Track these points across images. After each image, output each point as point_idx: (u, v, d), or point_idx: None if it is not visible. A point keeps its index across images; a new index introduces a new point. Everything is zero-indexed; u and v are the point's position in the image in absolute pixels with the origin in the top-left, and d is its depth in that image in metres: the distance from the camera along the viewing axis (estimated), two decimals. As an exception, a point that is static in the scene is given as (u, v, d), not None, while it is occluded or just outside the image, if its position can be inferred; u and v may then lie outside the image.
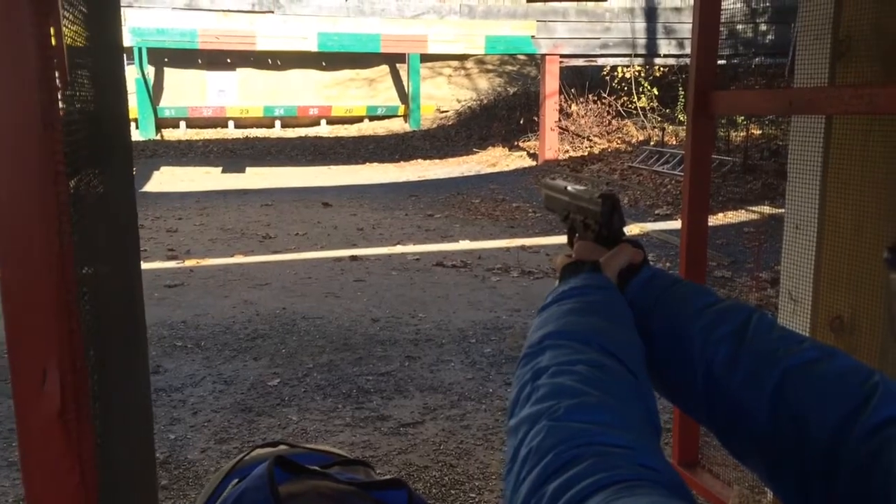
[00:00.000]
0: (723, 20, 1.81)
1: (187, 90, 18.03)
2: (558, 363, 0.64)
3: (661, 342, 0.78)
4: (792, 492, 0.64)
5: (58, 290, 0.66)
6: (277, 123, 18.45)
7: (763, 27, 12.68)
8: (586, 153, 13.05)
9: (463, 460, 3.16)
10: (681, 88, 12.68)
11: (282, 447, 1.04)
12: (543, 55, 13.43)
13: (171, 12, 11.91)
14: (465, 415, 3.62)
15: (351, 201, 10.88)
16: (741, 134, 10.41)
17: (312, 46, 12.61)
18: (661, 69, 14.05)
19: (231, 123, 18.22)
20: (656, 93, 13.65)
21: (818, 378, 0.64)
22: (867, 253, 1.56)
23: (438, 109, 18.87)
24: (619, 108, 13.78)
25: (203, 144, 16.74)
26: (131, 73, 15.71)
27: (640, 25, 13.59)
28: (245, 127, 18.24)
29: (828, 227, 1.67)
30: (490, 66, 19.49)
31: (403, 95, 19.09)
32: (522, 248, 7.66)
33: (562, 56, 13.40)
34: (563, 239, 1.02)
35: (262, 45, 12.54)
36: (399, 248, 7.69)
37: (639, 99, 13.73)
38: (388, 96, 19.40)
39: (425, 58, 17.84)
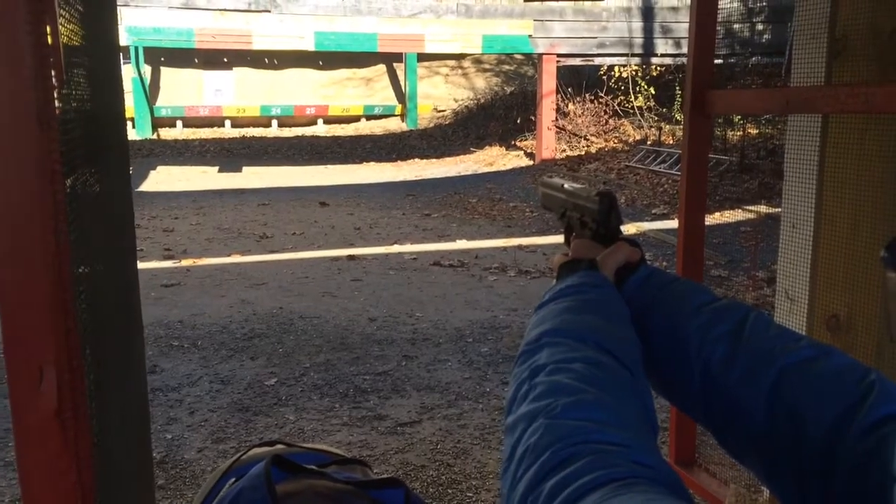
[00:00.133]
0: (719, 19, 1.81)
1: (184, 89, 18.00)
2: (555, 361, 0.64)
3: (658, 340, 0.78)
4: (789, 490, 0.64)
5: (54, 289, 0.65)
6: (274, 123, 18.43)
7: (760, 26, 12.70)
8: (583, 152, 13.06)
9: (460, 459, 3.16)
10: (678, 88, 12.70)
11: (279, 446, 1.04)
12: (540, 54, 13.44)
13: (167, 11, 11.89)
14: (463, 414, 3.62)
15: (348, 201, 10.87)
16: (738, 133, 10.42)
17: (309, 46, 12.60)
18: (658, 68, 14.06)
19: (228, 123, 18.20)
20: (653, 92, 13.66)
21: (815, 376, 0.64)
22: (863, 251, 1.56)
23: (435, 109, 18.86)
24: (616, 107, 13.78)
25: (200, 144, 16.71)
26: (128, 72, 15.67)
27: (637, 25, 13.60)
28: (242, 126, 18.22)
29: (824, 225, 1.67)
30: (487, 66, 19.49)
31: (400, 95, 19.09)
32: (519, 247, 7.66)
33: (559, 55, 13.40)
34: (560, 238, 1.02)
35: (259, 44, 12.53)
36: (396, 248, 7.69)
37: (636, 98, 13.74)
38: (384, 96, 19.39)
39: (422, 57, 17.83)
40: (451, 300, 5.67)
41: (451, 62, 19.28)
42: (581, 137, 13.53)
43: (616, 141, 13.16)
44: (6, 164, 0.64)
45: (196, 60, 17.74)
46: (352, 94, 19.12)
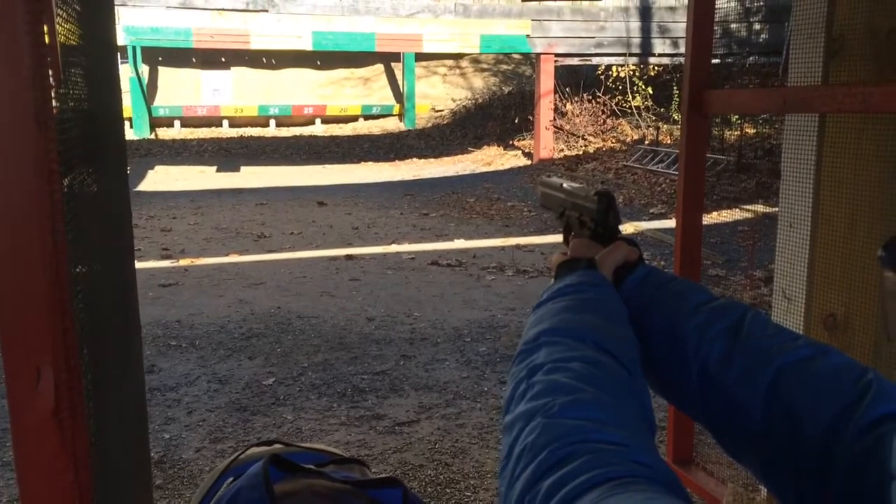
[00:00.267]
0: (717, 19, 1.82)
1: (182, 89, 17.99)
2: (553, 360, 0.64)
3: (656, 339, 0.78)
4: (787, 489, 0.64)
5: (52, 289, 0.65)
6: (272, 122, 18.42)
7: (757, 26, 12.71)
8: (581, 152, 13.06)
9: (458, 459, 3.16)
10: (675, 87, 12.70)
11: (277, 446, 1.04)
12: (538, 54, 13.44)
13: (165, 11, 11.88)
14: (461, 413, 3.62)
15: (346, 200, 10.87)
16: (735, 133, 10.43)
17: (307, 45, 12.59)
18: (656, 68, 14.07)
19: (225, 122, 18.18)
20: (651, 92, 13.66)
21: (812, 376, 0.64)
22: (861, 251, 1.57)
23: (433, 108, 18.86)
24: (614, 107, 13.79)
25: (197, 143, 16.70)
26: (125, 72, 15.66)
27: (635, 24, 13.61)
28: (240, 126, 18.21)
29: (821, 225, 1.67)
30: (485, 66, 19.50)
31: (398, 94, 19.08)
32: (517, 246, 7.67)
33: (557, 55, 13.40)
34: (558, 238, 1.02)
35: (257, 44, 12.51)
36: (394, 248, 7.69)
37: (633, 98, 13.75)
38: (382, 95, 19.39)
39: (420, 57, 17.83)
40: (449, 300, 5.67)
41: (449, 62, 19.28)
42: (579, 137, 13.54)
43: (614, 141, 13.17)
44: (3, 163, 0.64)
45: (194, 60, 17.72)
46: (350, 94, 19.12)
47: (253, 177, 13.29)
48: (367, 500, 0.91)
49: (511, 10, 13.48)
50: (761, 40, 12.64)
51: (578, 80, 14.57)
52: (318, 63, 18.56)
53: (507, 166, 13.52)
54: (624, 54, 13.63)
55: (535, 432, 0.55)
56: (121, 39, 11.91)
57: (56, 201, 0.65)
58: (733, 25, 11.10)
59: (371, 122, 18.85)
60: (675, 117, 12.54)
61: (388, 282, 6.26)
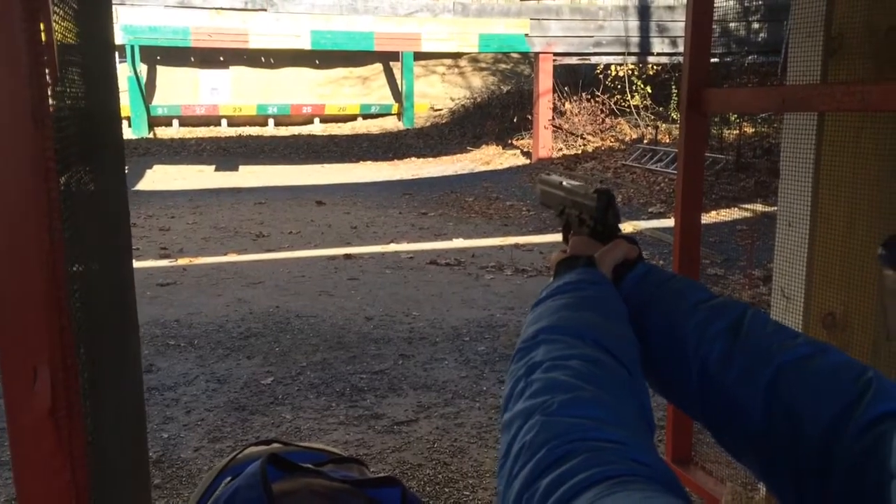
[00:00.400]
0: (715, 18, 1.81)
1: (180, 88, 17.97)
2: (552, 358, 0.64)
3: (656, 338, 0.78)
4: (786, 489, 0.64)
5: (48, 288, 0.65)
6: (271, 122, 18.40)
7: (755, 25, 12.71)
8: (580, 151, 13.07)
9: (457, 458, 3.16)
10: (674, 87, 12.70)
11: (275, 445, 1.04)
12: (537, 53, 13.44)
13: (163, 10, 11.87)
14: (459, 413, 3.62)
15: (344, 200, 10.86)
16: (734, 132, 10.44)
17: (306, 44, 12.58)
18: (655, 67, 14.08)
19: (224, 122, 18.16)
20: (649, 91, 13.67)
21: (812, 374, 0.64)
22: (859, 249, 1.57)
23: (432, 108, 18.86)
24: (613, 106, 13.79)
25: (196, 143, 16.68)
26: (124, 71, 15.64)
27: (634, 24, 13.61)
28: (238, 125, 18.19)
29: (820, 224, 1.67)
30: (484, 65, 19.49)
31: (397, 94, 19.07)
32: (516, 246, 7.67)
33: (555, 54, 13.40)
34: (557, 237, 1.02)
35: (255, 43, 12.51)
36: (393, 247, 7.69)
37: (632, 97, 13.75)
38: (381, 94, 19.38)
39: (419, 56, 17.81)
40: (448, 299, 5.67)
41: (448, 61, 19.27)
42: (578, 136, 13.54)
43: (612, 140, 13.17)
44: (0, 161, 0.63)
45: (192, 59, 17.71)
46: (348, 93, 19.11)
47: (251, 176, 13.28)
48: (366, 500, 0.91)
49: (510, 9, 13.48)
50: (760, 39, 12.64)
51: (577, 79, 14.57)
52: (317, 62, 18.55)
53: (505, 165, 13.52)
54: (623, 53, 13.64)
55: (534, 430, 0.55)
56: (119, 38, 11.90)
57: (53, 199, 0.65)
58: (732, 24, 11.10)
59: (370, 121, 18.83)
60: (674, 116, 12.55)
61: (387, 281, 6.26)
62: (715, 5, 1.81)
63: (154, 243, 7.75)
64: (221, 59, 17.85)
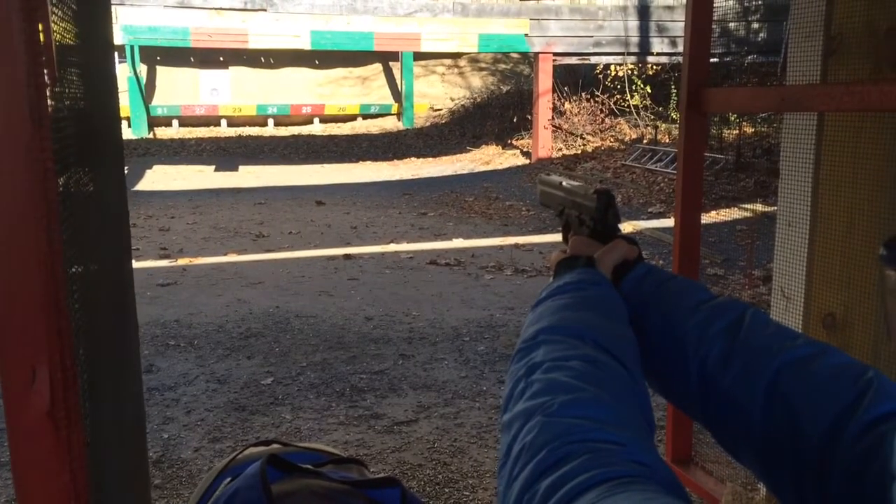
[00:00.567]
0: (715, 18, 1.81)
1: (180, 88, 17.97)
2: (552, 359, 0.64)
3: (656, 338, 0.78)
4: (786, 489, 0.64)
5: (47, 288, 0.65)
6: (270, 122, 18.41)
7: (755, 25, 12.72)
8: (580, 151, 13.07)
9: (457, 458, 3.16)
10: (673, 87, 12.70)
11: (275, 446, 1.04)
12: (536, 53, 13.44)
13: (163, 10, 11.87)
14: (459, 413, 3.62)
15: (344, 200, 10.86)
16: (734, 132, 10.44)
17: (305, 44, 12.58)
18: (654, 67, 14.08)
19: (224, 122, 18.17)
20: (649, 91, 13.67)
21: (812, 375, 0.64)
22: (859, 249, 1.57)
23: (432, 108, 18.86)
24: (613, 106, 13.79)
25: (196, 143, 16.68)
26: (123, 71, 15.64)
27: (633, 24, 13.61)
28: (238, 125, 18.19)
29: (820, 224, 1.67)
30: (483, 65, 19.49)
31: (397, 94, 19.08)
32: (516, 246, 7.67)
33: (555, 54, 13.40)
34: (556, 237, 1.02)
35: (255, 43, 12.51)
36: (393, 247, 7.68)
37: (632, 97, 13.75)
38: (381, 94, 19.38)
39: (418, 56, 17.82)
40: (448, 299, 5.67)
41: (448, 61, 19.27)
42: (577, 136, 13.54)
43: (612, 140, 13.17)
44: (-2, 162, 0.63)
45: (192, 59, 17.71)
46: (348, 93, 19.11)
47: (251, 176, 13.28)
48: (366, 500, 0.90)
49: (509, 9, 13.48)
50: (759, 39, 12.64)
51: (577, 79, 14.57)
52: (317, 62, 18.55)
53: (505, 165, 13.52)
54: (622, 53, 13.64)
55: (534, 431, 0.55)
56: (119, 39, 11.89)
57: (51, 200, 0.65)
58: (732, 24, 11.10)
59: (369, 121, 18.84)
60: (674, 116, 12.55)
61: (387, 281, 6.26)
62: (714, 5, 1.81)
63: (154, 243, 7.75)
64: (221, 59, 17.85)
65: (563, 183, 1.01)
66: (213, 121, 18.11)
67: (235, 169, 14.17)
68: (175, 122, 17.83)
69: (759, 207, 7.41)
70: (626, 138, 13.01)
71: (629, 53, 13.65)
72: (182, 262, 6.98)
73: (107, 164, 1.24)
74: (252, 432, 3.40)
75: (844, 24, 1.59)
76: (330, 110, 18.62)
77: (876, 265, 1.49)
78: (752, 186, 8.71)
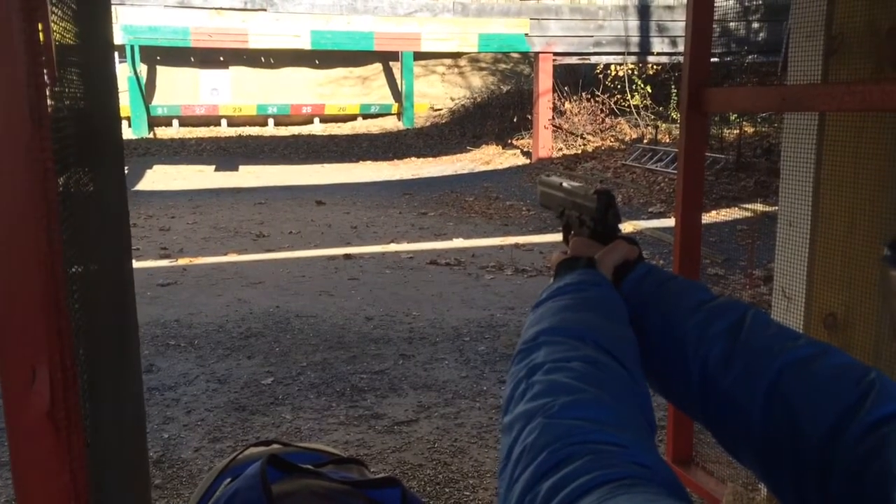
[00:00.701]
0: (715, 17, 1.81)
1: (180, 88, 17.97)
2: (553, 360, 0.63)
3: (656, 338, 0.77)
4: (787, 489, 0.64)
5: (47, 289, 0.65)
6: (270, 122, 18.41)
7: (756, 25, 12.71)
8: (580, 151, 13.07)
9: (457, 458, 3.16)
10: (674, 86, 12.70)
11: (275, 446, 1.04)
12: (537, 53, 13.44)
13: (163, 10, 11.87)
14: (460, 413, 3.62)
15: (344, 199, 10.86)
16: (734, 132, 10.43)
17: (305, 44, 12.58)
18: (654, 67, 14.07)
19: (224, 122, 18.17)
20: (649, 91, 13.66)
21: (813, 376, 0.64)
22: (861, 249, 1.56)
23: (432, 107, 18.86)
24: (613, 106, 13.79)
25: (196, 143, 16.68)
26: (123, 71, 15.64)
27: (634, 23, 13.61)
28: (238, 125, 18.19)
29: (821, 223, 1.67)
30: (483, 64, 19.49)
31: (397, 93, 19.08)
32: (516, 246, 7.66)
33: (555, 54, 13.40)
34: (557, 237, 1.02)
35: (255, 43, 12.51)
36: (393, 247, 7.68)
37: (632, 97, 13.75)
38: (381, 94, 19.38)
39: (419, 56, 17.82)
40: (448, 299, 5.67)
41: (448, 61, 19.27)
42: (578, 136, 13.54)
43: (612, 139, 13.17)
44: (-2, 162, 0.63)
45: (192, 59, 17.71)
46: (348, 93, 19.11)
47: (251, 176, 13.28)
48: (366, 500, 0.90)
49: (509, 8, 13.48)
50: (760, 39, 12.64)
51: (577, 78, 14.57)
52: (317, 62, 18.55)
53: (505, 165, 13.52)
54: (622, 53, 13.64)
55: (535, 433, 0.54)
56: (119, 38, 11.90)
57: (51, 200, 0.65)
58: (732, 24, 11.10)
59: (369, 121, 18.84)
60: (674, 116, 12.55)
61: (387, 281, 6.26)
62: (715, 5, 1.81)
63: (154, 243, 7.75)
64: (221, 59, 17.85)
65: (564, 184, 1.00)
66: (213, 121, 18.11)
67: (236, 169, 14.17)
68: (175, 122, 17.83)
69: (759, 207, 7.41)
70: (627, 138, 13.01)
71: (629, 53, 13.65)
72: (182, 261, 6.98)
73: (107, 164, 1.24)
74: (252, 432, 3.40)
75: (846, 23, 1.59)
76: (330, 110, 18.62)
77: (877, 265, 1.49)
78: (752, 186, 8.71)
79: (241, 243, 7.89)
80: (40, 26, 0.66)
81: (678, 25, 13.12)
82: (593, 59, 13.93)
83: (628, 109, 13.75)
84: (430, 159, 14.90)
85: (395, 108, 19.03)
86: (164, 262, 6.93)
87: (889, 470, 0.53)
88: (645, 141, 12.42)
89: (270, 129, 18.26)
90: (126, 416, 1.29)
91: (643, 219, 8.63)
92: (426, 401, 3.76)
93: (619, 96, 13.86)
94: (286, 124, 18.46)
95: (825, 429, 0.60)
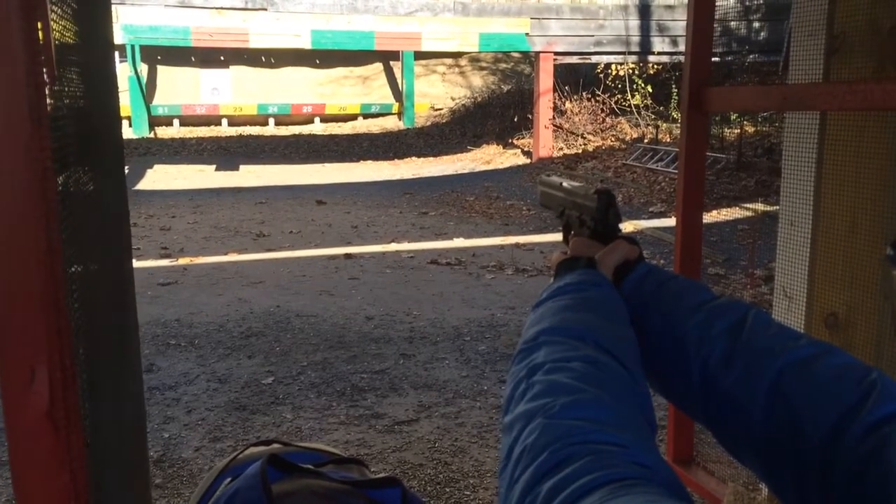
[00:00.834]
0: (717, 17, 1.81)
1: (181, 88, 17.97)
2: (553, 360, 0.63)
3: (657, 339, 0.77)
4: (788, 489, 0.63)
5: (46, 288, 0.65)
6: (271, 121, 18.41)
7: (756, 24, 12.71)
8: (580, 151, 13.06)
9: (458, 458, 3.16)
10: (674, 86, 12.70)
11: (275, 446, 1.03)
12: (537, 53, 13.43)
13: (163, 10, 11.87)
14: (460, 412, 3.62)
15: (345, 199, 10.86)
16: (735, 131, 10.43)
17: (306, 44, 12.58)
18: (655, 67, 14.07)
19: (225, 121, 18.17)
20: (650, 90, 13.66)
21: (814, 376, 0.64)
22: (862, 249, 1.56)
23: (432, 107, 18.85)
24: (613, 105, 13.79)
25: (196, 142, 16.69)
26: (124, 70, 15.65)
27: (634, 23, 13.60)
28: (239, 125, 18.20)
29: (822, 223, 1.67)
30: (484, 64, 19.48)
31: (397, 93, 19.07)
32: (517, 245, 7.66)
33: (556, 53, 13.40)
34: (557, 237, 1.02)
35: (256, 42, 12.51)
36: (393, 246, 7.68)
37: (633, 96, 13.74)
38: (382, 94, 19.38)
39: (419, 55, 17.82)
40: (449, 298, 5.67)
41: (448, 60, 19.26)
42: (578, 136, 13.54)
43: (613, 139, 13.17)
44: (-3, 161, 0.63)
45: (193, 59, 17.71)
46: (349, 93, 19.10)
47: (252, 175, 13.28)
48: (366, 500, 0.90)
49: (510, 8, 13.47)
50: (761, 38, 12.64)
51: (578, 78, 14.57)
52: (317, 62, 18.55)
53: (506, 165, 13.51)
54: (623, 53, 13.63)
55: (535, 433, 0.54)
56: (119, 38, 11.90)
57: (50, 199, 0.65)
58: (733, 23, 11.09)
59: (370, 120, 18.83)
60: (675, 115, 12.55)
61: (388, 280, 6.26)
62: (716, 4, 1.81)
63: (155, 243, 7.75)
64: (222, 58, 17.85)
65: (564, 183, 1.00)
66: (213, 120, 18.12)
67: (236, 168, 14.17)
68: (176, 122, 17.84)
69: (760, 207, 7.41)
70: (627, 138, 13.01)
71: (630, 53, 13.65)
72: (183, 261, 6.98)
73: (107, 164, 1.24)
74: (253, 432, 3.40)
75: (847, 22, 1.58)
76: (331, 110, 18.62)
77: (879, 264, 1.49)
78: (753, 186, 8.71)
79: (242, 243, 7.89)
80: (39, 25, 0.66)
81: (679, 25, 13.11)
82: (594, 59, 13.93)
83: (629, 109, 13.75)
84: (431, 159, 14.90)
85: (395, 108, 19.03)
86: (165, 262, 6.93)
87: (890, 470, 0.53)
88: (646, 140, 12.42)
89: (271, 129, 18.26)
90: (126, 415, 1.29)
91: (644, 218, 8.63)
92: (427, 400, 3.76)
93: (619, 96, 13.86)
94: (287, 124, 18.46)
95: (826, 429, 0.59)
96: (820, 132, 1.66)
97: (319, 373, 4.14)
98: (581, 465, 0.49)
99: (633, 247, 0.86)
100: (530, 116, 14.08)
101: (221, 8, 12.01)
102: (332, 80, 19.03)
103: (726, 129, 10.52)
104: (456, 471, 3.06)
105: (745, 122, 10.47)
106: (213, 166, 14.35)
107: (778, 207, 1.83)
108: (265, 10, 12.11)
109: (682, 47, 2.16)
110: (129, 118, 16.30)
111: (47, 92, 0.66)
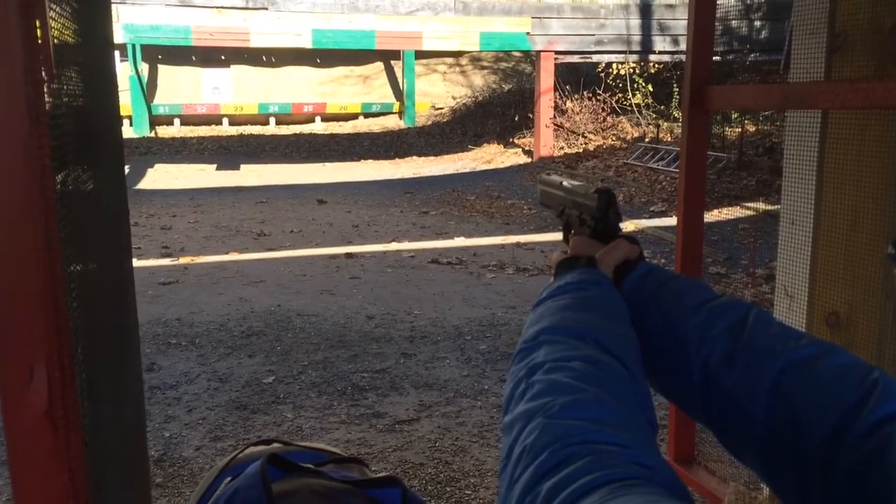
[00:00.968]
0: (718, 16, 1.80)
1: (181, 87, 17.97)
2: (553, 359, 0.63)
3: (657, 338, 0.77)
4: (788, 489, 0.63)
5: (45, 287, 0.65)
6: (272, 120, 18.41)
7: (757, 23, 12.69)
8: (581, 150, 13.06)
9: (458, 457, 3.16)
10: (675, 85, 12.69)
11: (275, 445, 1.03)
12: (538, 52, 13.42)
13: (164, 9, 11.86)
14: (461, 412, 3.62)
15: (346, 198, 10.86)
16: (736, 130, 10.42)
17: (307, 43, 12.57)
18: (656, 66, 14.06)
19: (225, 120, 18.17)
20: (651, 89, 13.65)
21: (816, 375, 0.63)
22: (863, 248, 1.56)
23: (433, 106, 18.85)
24: (614, 104, 13.77)
25: (197, 141, 16.69)
26: (125, 70, 15.65)
27: (635, 22, 13.59)
28: (239, 124, 18.20)
29: (824, 222, 1.66)
30: (485, 63, 19.48)
31: (398, 92, 19.07)
32: (518, 244, 7.66)
33: (557, 53, 13.39)
34: (558, 236, 1.01)
35: (257, 41, 12.51)
36: (394, 246, 7.68)
37: (633, 95, 13.73)
38: (382, 93, 19.37)
39: (420, 55, 17.81)
40: (450, 298, 5.67)
41: (449, 60, 19.26)
42: (579, 135, 13.53)
43: (614, 138, 13.16)
44: (-5, 159, 0.63)
45: (193, 58, 17.71)
46: (349, 92, 19.10)
47: (253, 175, 13.28)
48: (366, 500, 0.90)
49: (511, 7, 13.46)
50: (762, 37, 12.63)
51: (579, 77, 14.55)
52: (318, 61, 18.54)
53: (507, 164, 13.51)
54: (624, 52, 13.62)
55: (535, 433, 0.54)
56: (120, 37, 11.90)
57: (49, 198, 0.64)
58: (734, 22, 11.08)
59: (371, 119, 18.83)
60: (676, 115, 12.54)
61: (388, 280, 6.26)
62: (717, 3, 1.80)
63: (156, 242, 7.75)
64: (223, 57, 17.86)
65: (564, 183, 1.00)
66: (214, 119, 18.12)
67: (237, 168, 14.17)
68: (177, 121, 17.84)
69: (761, 206, 7.40)
70: (628, 137, 13.00)
71: (631, 52, 13.64)
72: (184, 260, 6.98)
73: (106, 163, 1.24)
74: (253, 431, 3.40)
75: (848, 20, 1.58)
76: (331, 109, 18.62)
77: (880, 263, 1.49)
78: (754, 185, 8.70)
79: (243, 242, 7.89)
80: (38, 23, 0.65)
81: (680, 24, 13.11)
82: (595, 58, 13.92)
83: (630, 108, 13.74)
84: (432, 158, 14.90)
85: (396, 107, 19.03)
86: (166, 261, 6.93)
87: (892, 469, 0.53)
88: (646, 139, 12.41)
89: (272, 128, 18.26)
90: (126, 415, 1.28)
91: (645, 218, 8.63)
92: (427, 400, 3.76)
93: (620, 95, 13.85)
94: (288, 123, 18.46)
95: (828, 428, 0.59)
96: (821, 131, 1.66)
97: (320, 372, 4.14)
98: (581, 465, 0.49)
99: (633, 246, 0.86)
100: (531, 116, 14.08)
101: (222, 7, 12.01)
102: (333, 79, 19.03)
103: (727, 128, 10.51)
104: (457, 470, 3.05)
105: (746, 121, 10.46)
106: (214, 166, 14.36)
107: (779, 206, 1.83)
108: (266, 9, 12.10)
109: (683, 46, 2.15)
110: (129, 117, 16.31)
111: (46, 90, 0.66)
